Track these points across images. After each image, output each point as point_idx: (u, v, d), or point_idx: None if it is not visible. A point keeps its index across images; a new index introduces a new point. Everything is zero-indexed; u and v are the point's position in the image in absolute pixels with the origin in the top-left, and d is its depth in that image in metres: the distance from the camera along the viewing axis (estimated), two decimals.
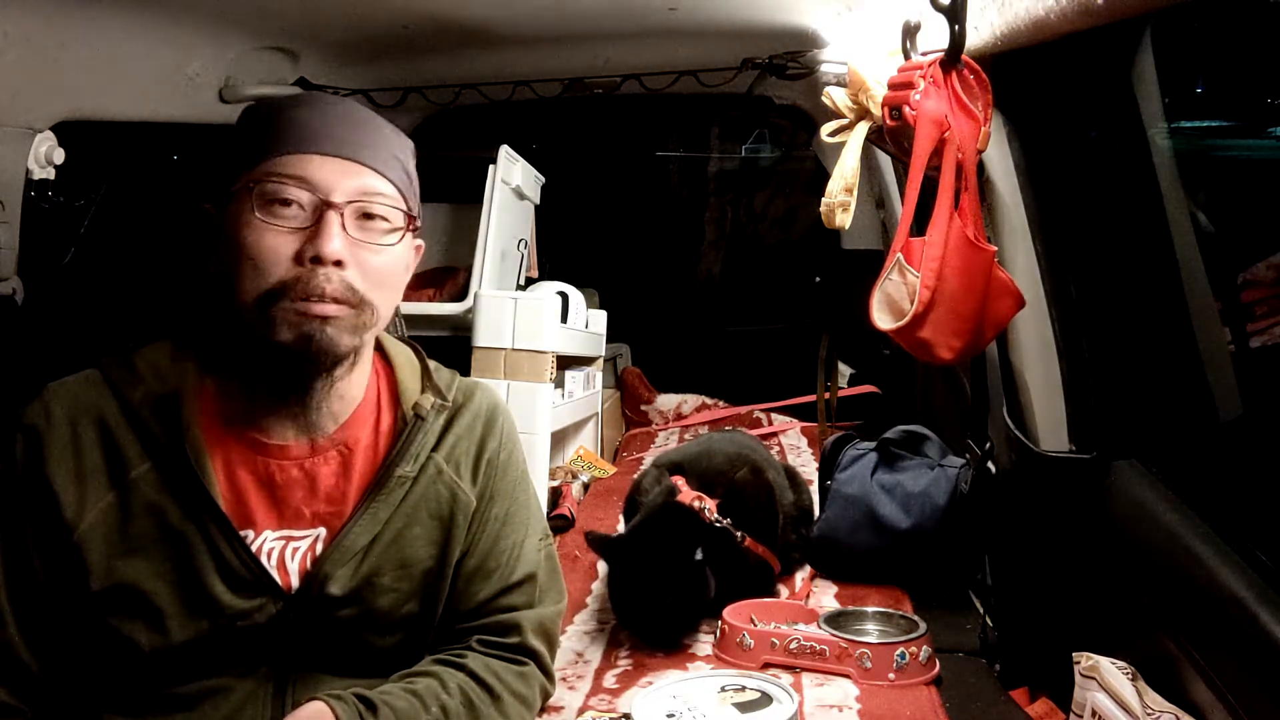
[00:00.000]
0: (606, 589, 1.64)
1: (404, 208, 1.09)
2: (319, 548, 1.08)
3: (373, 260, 1.05)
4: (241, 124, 1.10)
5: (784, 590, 1.74)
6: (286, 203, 1.02)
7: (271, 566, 1.06)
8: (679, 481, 1.68)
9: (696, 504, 1.60)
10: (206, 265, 1.07)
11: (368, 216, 1.05)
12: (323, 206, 1.02)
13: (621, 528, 2.07)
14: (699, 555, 1.51)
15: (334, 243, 1.01)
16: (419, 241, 1.15)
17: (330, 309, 1.02)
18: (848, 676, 1.38)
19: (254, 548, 1.05)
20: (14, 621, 1.01)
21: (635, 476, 1.84)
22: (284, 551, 1.07)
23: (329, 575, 1.06)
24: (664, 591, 1.51)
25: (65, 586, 1.01)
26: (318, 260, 1.01)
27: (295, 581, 1.06)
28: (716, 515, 1.60)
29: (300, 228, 1.02)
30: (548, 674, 1.19)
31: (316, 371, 1.07)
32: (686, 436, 2.87)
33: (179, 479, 1.03)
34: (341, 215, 1.03)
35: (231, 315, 1.04)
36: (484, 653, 1.14)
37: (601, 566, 1.90)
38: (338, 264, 1.02)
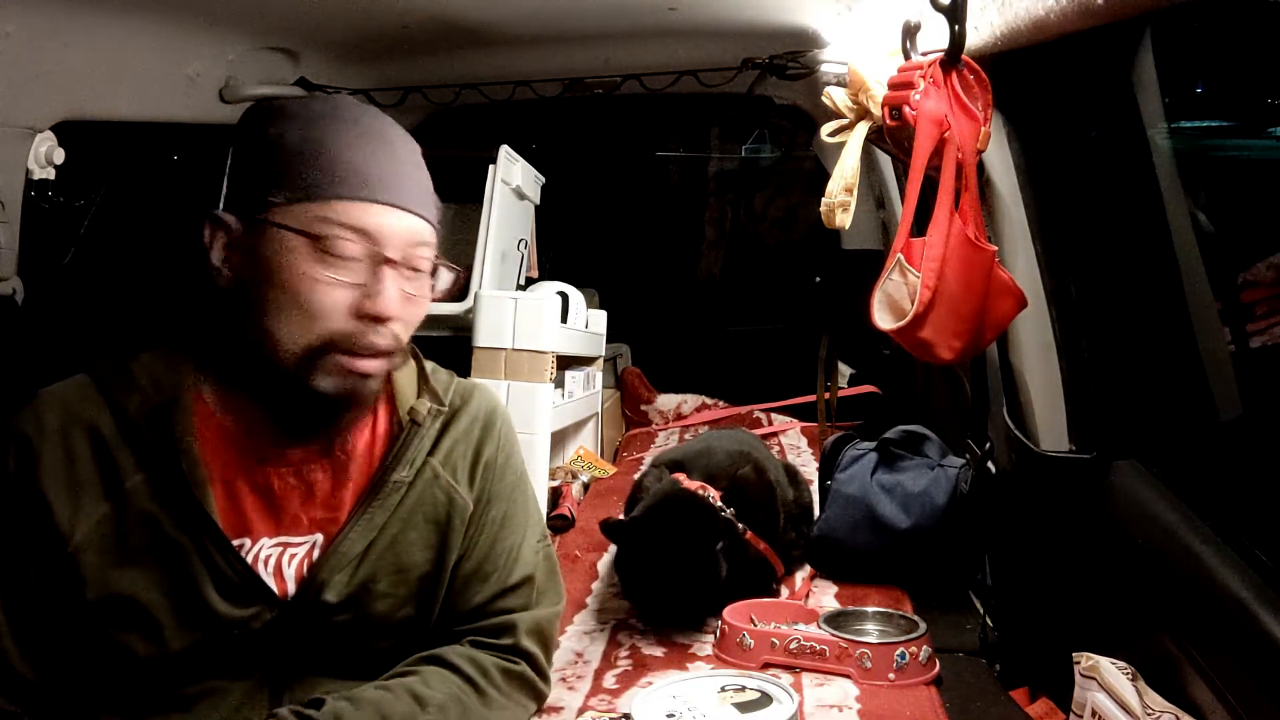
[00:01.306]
0: (616, 574, 1.65)
1: (436, 252, 1.09)
2: (315, 554, 1.08)
3: (414, 312, 1.06)
4: (272, 136, 1.03)
5: (784, 590, 1.74)
6: (342, 253, 1.00)
7: (268, 573, 1.06)
8: (680, 477, 1.68)
9: (701, 492, 1.61)
10: (214, 274, 1.04)
11: (415, 269, 1.05)
12: (381, 261, 1.01)
13: None
14: (719, 544, 1.53)
15: (393, 302, 1.01)
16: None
17: (375, 364, 1.03)
18: (848, 676, 1.38)
19: (250, 555, 1.05)
20: (8, 631, 1.00)
21: (636, 476, 1.83)
22: (281, 558, 1.07)
23: (325, 582, 1.06)
24: (681, 571, 1.52)
25: (60, 596, 1.01)
26: (374, 318, 1.01)
27: (292, 588, 1.06)
28: (720, 504, 1.60)
29: (356, 282, 1.00)
30: (543, 675, 1.19)
31: (347, 415, 1.09)
32: (687, 436, 2.87)
33: (173, 490, 1.02)
34: (396, 270, 1.02)
35: (257, 344, 1.02)
36: (474, 650, 1.14)
37: (602, 565, 1.90)
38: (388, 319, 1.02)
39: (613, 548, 1.98)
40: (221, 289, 1.04)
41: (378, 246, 1.00)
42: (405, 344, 1.07)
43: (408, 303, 1.04)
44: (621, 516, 2.11)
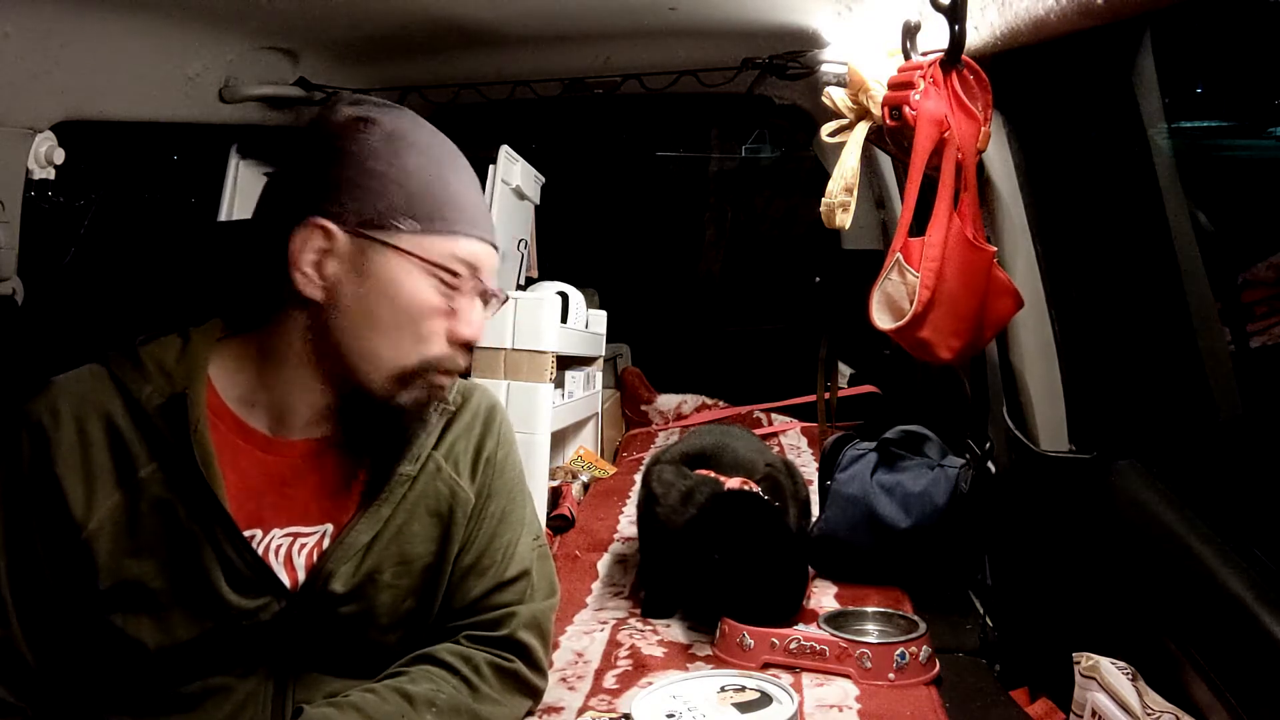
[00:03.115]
0: (691, 585, 1.61)
1: None
2: (325, 543, 1.09)
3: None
4: (389, 157, 1.05)
5: None
6: (457, 287, 1.07)
7: (279, 563, 1.06)
8: (707, 473, 1.65)
9: (754, 491, 1.59)
10: (298, 279, 1.03)
11: (492, 297, 1.13)
12: (480, 293, 1.09)
13: (629, 527, 2.07)
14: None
15: (481, 329, 1.10)
16: None
17: (451, 381, 1.12)
18: (848, 676, 1.38)
19: (262, 545, 1.06)
20: (16, 619, 1.01)
21: (643, 476, 1.77)
22: (291, 548, 1.08)
23: (332, 572, 1.07)
24: (783, 578, 1.53)
25: (72, 584, 1.01)
26: (466, 344, 1.08)
27: (302, 576, 1.07)
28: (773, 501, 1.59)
29: (457, 309, 1.07)
30: (538, 669, 1.19)
31: (415, 424, 1.13)
32: None
33: (186, 480, 1.03)
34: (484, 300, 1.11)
35: (342, 355, 1.05)
36: (467, 646, 1.14)
37: (602, 565, 1.90)
38: None
39: (614, 547, 1.98)
40: (296, 292, 1.04)
41: (481, 280, 1.09)
42: None
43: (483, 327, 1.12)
44: (611, 521, 2.13)
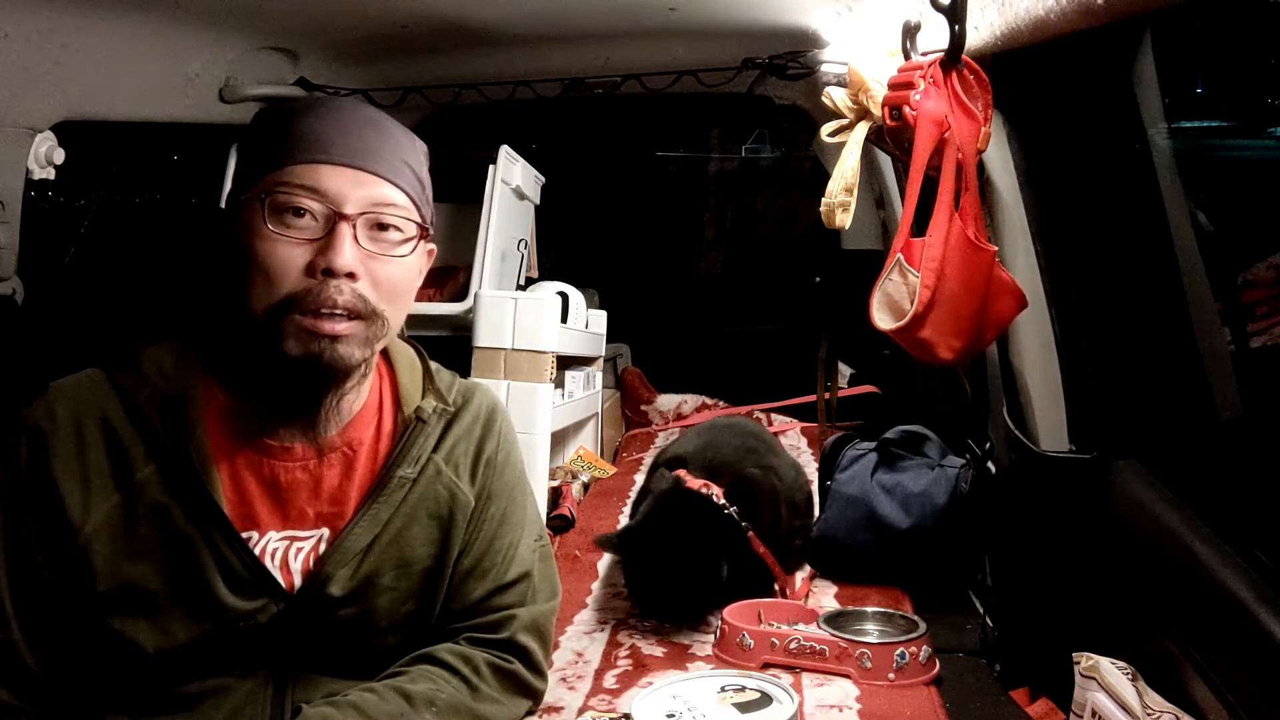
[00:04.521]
0: (624, 582, 1.68)
1: (416, 217, 1.09)
2: (322, 547, 1.08)
3: (384, 271, 1.05)
4: (254, 128, 1.09)
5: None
6: (299, 213, 1.01)
7: (275, 567, 1.06)
8: (681, 473, 1.68)
9: (704, 490, 1.61)
10: (217, 267, 1.06)
11: (380, 227, 1.05)
12: (335, 218, 1.02)
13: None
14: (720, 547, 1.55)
15: (345, 255, 1.00)
16: (431, 246, 1.15)
17: (340, 325, 1.02)
18: (848, 676, 1.38)
19: (258, 549, 1.06)
20: (17, 623, 1.01)
21: (640, 480, 1.82)
22: (288, 552, 1.07)
23: (330, 575, 1.07)
24: (682, 575, 1.55)
25: (70, 587, 1.01)
26: (329, 273, 1.00)
27: (298, 581, 1.07)
28: (723, 501, 1.60)
29: (311, 239, 1.01)
30: (538, 671, 1.19)
31: (326, 385, 1.08)
32: None
33: (183, 482, 1.03)
34: (353, 226, 1.02)
35: (242, 323, 1.04)
36: (467, 647, 1.14)
37: (602, 565, 1.90)
38: (349, 276, 1.01)
39: None
40: (222, 279, 1.06)
41: (331, 203, 1.02)
42: (379, 309, 1.05)
43: (372, 261, 1.04)
44: (611, 521, 2.13)
